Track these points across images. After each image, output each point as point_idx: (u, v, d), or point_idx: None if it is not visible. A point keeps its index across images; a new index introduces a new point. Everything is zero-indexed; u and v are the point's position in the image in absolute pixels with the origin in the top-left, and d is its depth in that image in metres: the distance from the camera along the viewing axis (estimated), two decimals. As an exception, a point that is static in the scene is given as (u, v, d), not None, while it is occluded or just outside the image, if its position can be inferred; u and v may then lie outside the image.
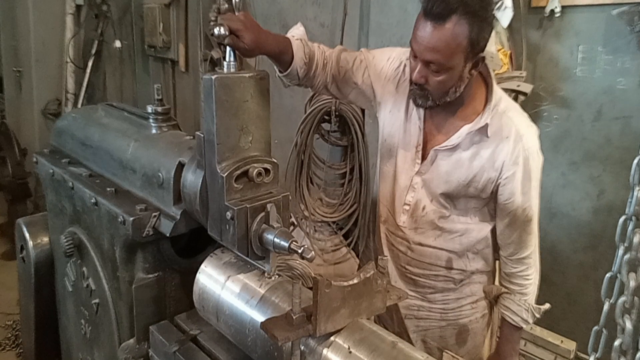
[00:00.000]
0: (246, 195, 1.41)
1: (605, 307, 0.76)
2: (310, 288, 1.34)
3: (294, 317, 1.27)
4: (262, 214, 1.38)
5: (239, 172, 1.39)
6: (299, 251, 1.27)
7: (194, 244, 1.85)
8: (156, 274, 1.79)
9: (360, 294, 1.32)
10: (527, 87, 2.48)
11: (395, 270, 2.00)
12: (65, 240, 1.98)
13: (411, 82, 1.75)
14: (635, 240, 0.76)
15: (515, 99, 2.48)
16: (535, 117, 2.53)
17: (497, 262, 1.98)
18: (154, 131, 1.88)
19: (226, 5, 3.75)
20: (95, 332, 2.01)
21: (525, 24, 2.54)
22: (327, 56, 1.92)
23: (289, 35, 1.86)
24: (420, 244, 1.91)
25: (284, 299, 1.45)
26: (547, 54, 2.53)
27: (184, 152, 1.64)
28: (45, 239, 2.33)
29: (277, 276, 1.56)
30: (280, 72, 1.87)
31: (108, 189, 1.84)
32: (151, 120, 1.89)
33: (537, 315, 1.86)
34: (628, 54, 2.31)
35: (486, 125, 1.73)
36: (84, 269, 1.99)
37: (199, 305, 1.69)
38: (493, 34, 2.45)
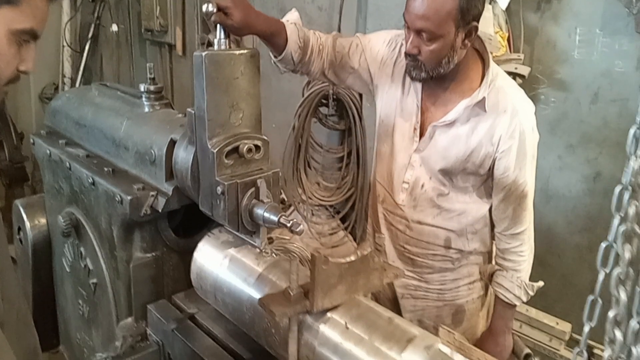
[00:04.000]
0: (237, 171, 1.44)
1: (600, 276, 0.76)
2: (308, 267, 1.35)
3: (292, 294, 1.28)
4: (253, 189, 1.40)
5: (229, 148, 1.42)
6: (288, 225, 1.29)
7: (192, 224, 1.86)
8: (154, 253, 1.80)
9: (357, 271, 1.32)
10: (524, 70, 2.47)
11: (394, 250, 2.01)
12: (62, 221, 1.98)
13: (406, 55, 1.76)
14: (631, 211, 0.76)
15: (513, 81, 2.48)
16: (532, 100, 2.50)
17: (494, 242, 1.99)
18: (146, 109, 1.89)
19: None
20: (94, 312, 2.02)
21: (524, 6, 2.53)
22: (323, 42, 1.92)
23: (283, 20, 1.86)
24: (420, 223, 1.92)
25: (281, 277, 1.46)
26: (544, 36, 2.53)
27: (176, 129, 1.66)
28: (43, 220, 2.34)
29: (274, 255, 1.58)
30: (275, 56, 1.87)
31: (105, 169, 1.84)
32: (144, 99, 1.90)
33: (531, 293, 1.87)
34: (626, 37, 2.30)
35: (483, 100, 1.74)
36: (82, 249, 2.00)
37: (197, 284, 1.70)
38: (491, 16, 2.45)
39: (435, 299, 2.00)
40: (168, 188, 1.66)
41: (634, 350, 0.76)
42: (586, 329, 0.80)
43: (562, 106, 2.51)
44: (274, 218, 1.34)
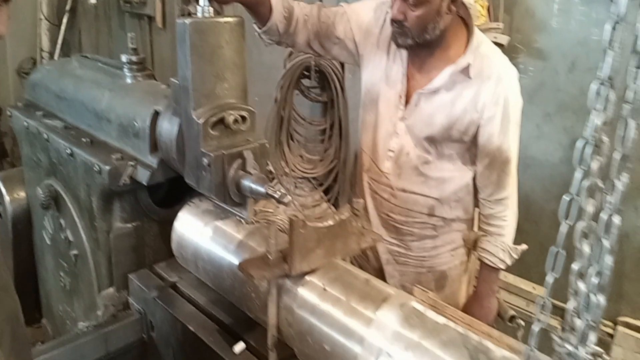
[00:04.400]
0: (223, 143, 1.40)
1: (562, 228, 0.79)
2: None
3: (270, 258, 1.29)
4: (239, 160, 1.37)
5: (215, 119, 1.38)
6: (276, 196, 1.27)
7: (172, 195, 1.86)
8: (134, 224, 1.81)
9: (335, 235, 1.34)
10: (503, 39, 2.48)
11: (378, 218, 2.03)
12: (41, 193, 1.98)
13: (392, 21, 1.76)
14: (594, 165, 0.78)
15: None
16: (511, 70, 2.55)
17: (476, 210, 2.02)
18: (128, 81, 1.86)
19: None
20: (75, 283, 2.03)
21: (503, -25, 2.53)
22: (308, 12, 1.91)
23: None
24: (404, 191, 1.94)
25: (261, 243, 1.48)
26: (523, 5, 2.53)
27: (160, 100, 1.63)
28: (22, 194, 2.33)
29: (254, 223, 1.59)
30: (259, 27, 1.85)
31: (83, 140, 1.84)
32: (126, 70, 1.87)
33: (515, 256, 1.90)
34: (602, 5, 2.30)
35: (468, 66, 1.75)
36: (62, 220, 2.00)
37: (178, 252, 1.71)
38: (471, -15, 2.44)
39: (418, 265, 2.03)
40: (152, 160, 1.65)
41: (594, 298, 0.79)
42: (549, 279, 0.83)
43: (540, 75, 2.52)
44: (262, 189, 1.31)
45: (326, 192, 3.53)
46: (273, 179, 3.47)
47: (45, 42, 5.21)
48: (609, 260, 0.81)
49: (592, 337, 0.85)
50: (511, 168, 1.86)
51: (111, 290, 1.80)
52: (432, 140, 1.85)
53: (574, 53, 2.43)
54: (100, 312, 1.76)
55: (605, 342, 2.34)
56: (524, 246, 1.91)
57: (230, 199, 1.37)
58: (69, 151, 1.84)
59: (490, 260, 1.91)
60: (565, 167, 2.53)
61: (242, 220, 1.51)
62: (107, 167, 1.66)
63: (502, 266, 1.92)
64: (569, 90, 2.46)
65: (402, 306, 1.12)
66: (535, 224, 2.59)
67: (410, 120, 1.87)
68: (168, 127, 1.54)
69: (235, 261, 1.44)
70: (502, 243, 1.89)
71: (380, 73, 1.92)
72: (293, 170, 3.48)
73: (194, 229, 1.64)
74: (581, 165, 0.73)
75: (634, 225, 2.34)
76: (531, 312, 2.43)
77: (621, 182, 0.76)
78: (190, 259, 1.65)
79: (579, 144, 0.75)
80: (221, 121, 1.39)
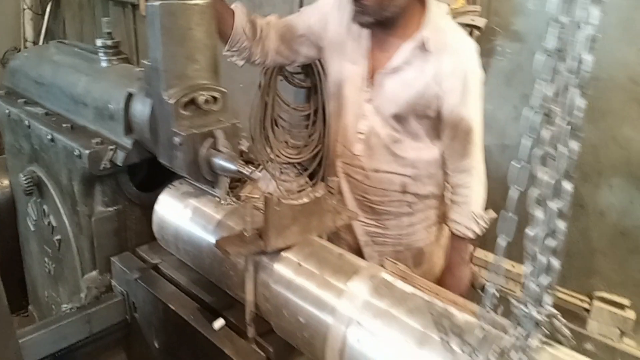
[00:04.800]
0: (195, 123, 1.45)
1: (511, 192, 0.82)
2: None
3: (247, 235, 1.32)
4: (210, 139, 1.42)
5: (186, 99, 1.42)
6: (246, 172, 1.31)
7: (154, 179, 1.88)
8: (116, 207, 1.82)
9: (310, 213, 1.37)
10: (481, 22, 2.51)
11: (354, 200, 2.07)
12: (24, 179, 1.99)
13: (352, 0, 1.81)
14: (546, 135, 0.82)
15: (470, 34, 2.51)
16: (489, 52, 2.57)
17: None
18: (104, 65, 1.89)
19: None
20: (59, 268, 2.05)
21: (481, -43, 2.55)
22: (268, 20, 2.02)
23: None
24: (376, 171, 1.98)
25: (239, 223, 1.50)
26: (501, -13, 2.56)
27: (133, 82, 1.66)
28: (6, 182, 2.34)
29: (232, 203, 1.61)
30: (226, 43, 1.96)
31: (64, 125, 1.85)
32: (101, 54, 1.89)
33: (482, 223, 1.94)
34: (579, -14, 2.34)
35: (426, 40, 1.80)
36: (45, 206, 2.01)
37: (159, 235, 1.74)
38: (449, -32, 2.46)
39: (395, 244, 2.07)
40: (127, 142, 1.68)
41: (547, 261, 0.83)
42: (501, 242, 0.86)
43: (517, 57, 2.56)
44: (232, 167, 1.36)
45: (311, 177, 3.56)
46: (258, 165, 3.50)
47: (29, 31, 5.20)
48: (561, 225, 0.85)
49: (547, 299, 0.89)
50: (475, 138, 1.90)
51: (94, 273, 1.82)
52: (399, 118, 1.90)
53: (550, 35, 2.46)
54: (84, 294, 1.78)
55: (581, 317, 2.40)
56: (491, 213, 1.95)
57: (203, 177, 1.42)
58: (49, 137, 1.85)
59: (458, 230, 1.96)
60: (543, 148, 2.57)
61: (218, 199, 1.54)
62: (87, 152, 1.67)
63: (471, 235, 1.96)
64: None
65: (372, 277, 1.16)
66: (514, 204, 2.63)
67: (376, 101, 1.91)
68: (141, 108, 1.58)
69: (214, 241, 1.47)
70: (470, 212, 1.94)
71: (343, 58, 1.98)
72: (278, 156, 3.51)
73: (174, 211, 1.66)
74: (530, 133, 0.76)
75: (608, 202, 2.39)
76: (510, 290, 2.49)
77: (568, 149, 0.80)
78: (171, 241, 1.68)
79: (526, 112, 0.79)
80: (192, 101, 1.44)
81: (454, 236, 2.01)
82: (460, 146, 1.90)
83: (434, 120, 1.90)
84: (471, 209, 1.94)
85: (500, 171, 2.16)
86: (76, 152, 1.71)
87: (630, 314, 2.34)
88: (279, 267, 1.31)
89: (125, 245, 1.86)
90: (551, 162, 0.83)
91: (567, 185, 0.82)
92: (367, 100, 1.93)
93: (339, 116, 2.03)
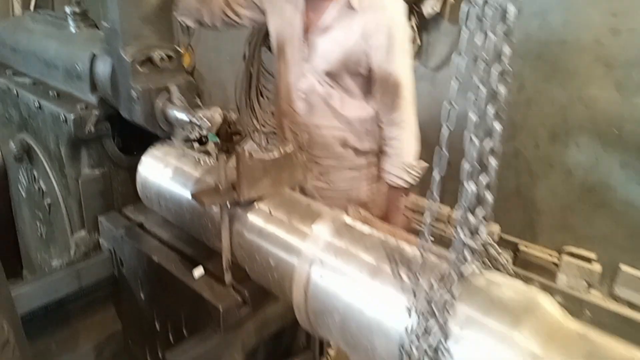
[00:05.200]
0: (151, 79, 1.59)
1: (443, 130, 0.91)
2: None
3: (221, 187, 1.42)
4: (166, 93, 1.57)
5: (142, 57, 1.57)
6: (198, 123, 1.41)
7: (139, 143, 1.97)
8: (101, 170, 1.92)
9: (281, 167, 1.46)
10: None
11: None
12: (14, 146, 2.08)
13: None
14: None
15: (444, 2, 2.58)
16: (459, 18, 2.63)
17: None
18: (72, 30, 2.03)
19: None
20: (50, 231, 2.14)
21: None
22: None
23: None
24: (318, 127, 2.13)
25: (216, 179, 1.59)
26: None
27: (97, 45, 1.78)
28: (-3, 151, 2.42)
29: (211, 163, 1.70)
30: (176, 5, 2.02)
31: (50, 93, 1.94)
32: (70, 21, 2.02)
33: (414, 173, 2.06)
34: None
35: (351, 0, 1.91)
36: (35, 172, 2.10)
37: (143, 194, 1.83)
38: None
39: (341, 198, 2.19)
40: (93, 98, 1.82)
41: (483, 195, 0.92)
42: (435, 175, 0.95)
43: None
44: (185, 117, 1.50)
45: (297, 146, 3.65)
46: (245, 135, 3.58)
47: (17, 9, 5.19)
48: (493, 161, 0.94)
49: (483, 229, 0.99)
50: (403, 92, 2.01)
51: (83, 232, 1.92)
52: (333, 75, 2.02)
53: (520, -1, 2.52)
54: (72, 251, 1.88)
55: (551, 271, 2.52)
56: (422, 163, 2.06)
57: (160, 127, 1.58)
58: (37, 104, 1.94)
59: (391, 180, 2.09)
60: (514, 109, 2.67)
61: (197, 159, 1.63)
62: (72, 116, 1.76)
63: (404, 184, 2.09)
64: (515, 35, 2.56)
65: (334, 221, 1.26)
66: (488, 165, 2.72)
67: (312, 60, 2.04)
68: (103, 67, 1.72)
69: (193, 195, 1.56)
70: (401, 163, 2.06)
71: (282, 21, 2.09)
72: (263, 126, 3.59)
73: (156, 171, 1.75)
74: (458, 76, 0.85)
75: (576, 161, 2.49)
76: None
77: (499, 92, 0.89)
78: (154, 199, 1.77)
79: (454, 57, 0.87)
80: (149, 60, 1.57)
81: (389, 186, 2.13)
82: (390, 100, 2.02)
83: (366, 78, 2.01)
84: (403, 160, 2.06)
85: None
86: (62, 118, 1.80)
87: (597, 267, 2.47)
88: (252, 217, 1.41)
89: (112, 206, 1.96)
90: (481, 104, 0.92)
91: (497, 126, 0.92)
92: (304, 60, 2.05)
93: (283, 77, 2.16)
